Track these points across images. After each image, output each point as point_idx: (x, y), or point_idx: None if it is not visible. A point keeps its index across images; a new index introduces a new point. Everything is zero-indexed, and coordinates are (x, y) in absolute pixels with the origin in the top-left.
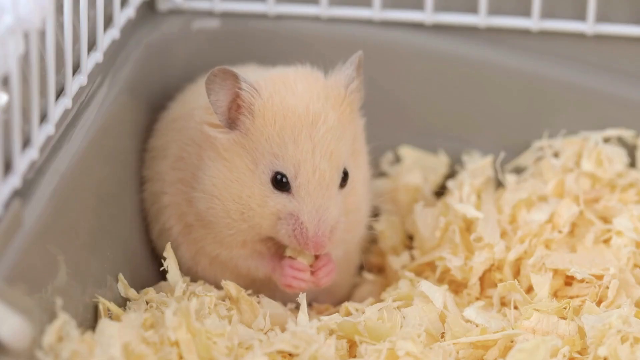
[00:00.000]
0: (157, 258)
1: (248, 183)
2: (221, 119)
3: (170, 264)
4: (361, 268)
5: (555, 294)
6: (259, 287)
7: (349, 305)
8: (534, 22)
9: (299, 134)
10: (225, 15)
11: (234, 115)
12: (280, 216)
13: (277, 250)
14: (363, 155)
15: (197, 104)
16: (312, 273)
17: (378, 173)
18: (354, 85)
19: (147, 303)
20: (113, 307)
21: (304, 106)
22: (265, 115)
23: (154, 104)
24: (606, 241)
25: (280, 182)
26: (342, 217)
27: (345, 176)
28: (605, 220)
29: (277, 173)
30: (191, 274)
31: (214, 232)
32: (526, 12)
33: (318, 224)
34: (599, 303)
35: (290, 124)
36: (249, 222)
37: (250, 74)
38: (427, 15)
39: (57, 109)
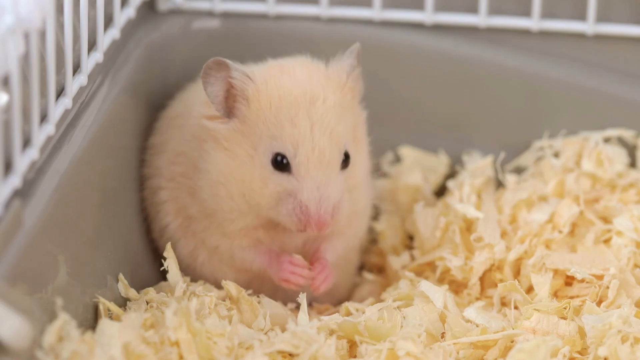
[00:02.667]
0: (157, 258)
1: (249, 169)
2: (219, 109)
3: (171, 264)
4: (361, 268)
5: (555, 294)
6: (260, 286)
7: (349, 305)
8: (534, 22)
9: (296, 113)
10: (225, 15)
11: (230, 105)
12: (281, 197)
13: (277, 245)
14: (364, 145)
15: (196, 100)
16: (311, 280)
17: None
18: (355, 73)
19: (147, 303)
20: (113, 307)
21: (302, 89)
22: (260, 99)
23: (154, 104)
24: (606, 241)
25: (280, 163)
26: (345, 194)
27: (346, 158)
28: (606, 220)
29: (277, 154)
30: (189, 271)
31: (217, 221)
32: (526, 12)
33: (319, 202)
34: (599, 303)
35: (286, 105)
36: (250, 203)
37: (250, 66)
38: (427, 15)
39: (58, 109)
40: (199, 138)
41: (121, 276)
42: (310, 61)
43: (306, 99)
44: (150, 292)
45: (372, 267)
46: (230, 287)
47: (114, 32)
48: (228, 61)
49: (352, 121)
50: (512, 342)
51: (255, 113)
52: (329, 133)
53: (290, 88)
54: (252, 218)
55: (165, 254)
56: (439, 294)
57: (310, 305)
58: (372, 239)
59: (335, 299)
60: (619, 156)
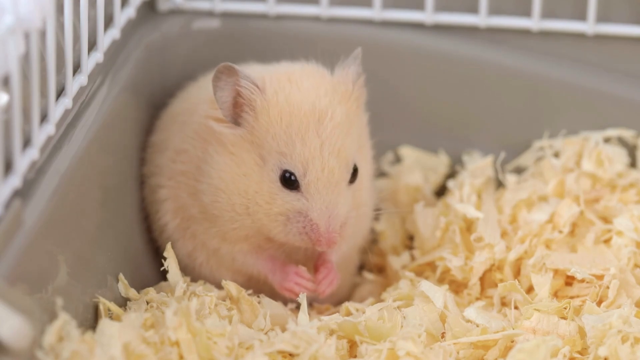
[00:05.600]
0: (157, 258)
1: (256, 179)
2: (226, 115)
3: (171, 263)
4: (361, 268)
5: (555, 294)
6: (260, 286)
7: (349, 305)
8: (534, 22)
9: (306, 131)
10: (225, 15)
11: (238, 113)
12: (289, 215)
13: (279, 250)
14: (367, 150)
15: (200, 98)
16: (316, 283)
17: (378, 173)
18: (360, 80)
19: (147, 303)
20: (113, 307)
21: (310, 103)
22: (270, 112)
23: (154, 105)
24: (606, 241)
25: (289, 181)
26: (352, 212)
27: (354, 172)
28: (606, 220)
29: (286, 171)
30: (188, 271)
31: (218, 225)
32: (526, 12)
33: (329, 221)
34: (599, 303)
35: (296, 122)
36: (253, 217)
37: (257, 70)
38: (427, 15)
39: (58, 109)
40: (202, 137)
41: (121, 276)
42: (317, 69)
43: (315, 115)
44: (151, 292)
45: (372, 267)
46: (231, 287)
47: (114, 32)
48: (238, 68)
49: (357, 130)
50: (512, 342)
51: (265, 126)
52: (337, 151)
53: (299, 102)
54: (254, 230)
55: (165, 254)
56: (439, 294)
57: (310, 305)
58: (372, 239)
59: (336, 299)
60: (619, 156)
